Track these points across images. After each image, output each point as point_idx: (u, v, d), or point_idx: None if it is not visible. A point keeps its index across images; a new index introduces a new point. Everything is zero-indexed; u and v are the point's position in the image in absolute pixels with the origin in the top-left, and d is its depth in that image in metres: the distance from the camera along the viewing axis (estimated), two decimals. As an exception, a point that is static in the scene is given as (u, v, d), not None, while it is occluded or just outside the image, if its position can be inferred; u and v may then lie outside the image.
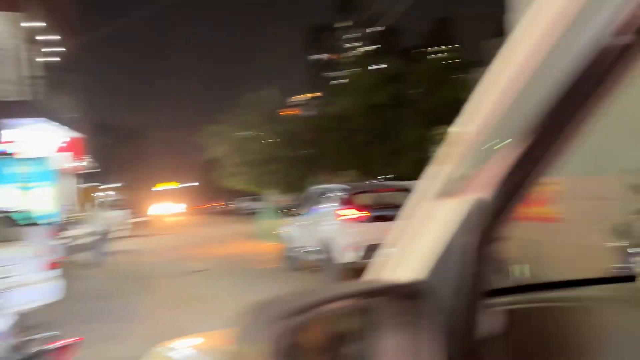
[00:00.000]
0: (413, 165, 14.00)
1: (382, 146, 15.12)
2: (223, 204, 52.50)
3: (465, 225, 0.86)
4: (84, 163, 22.97)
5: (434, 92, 14.54)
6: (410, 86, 15.27)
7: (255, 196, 28.25)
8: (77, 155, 20.81)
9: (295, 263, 10.65)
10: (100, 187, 31.77)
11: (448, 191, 0.92)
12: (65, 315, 6.10)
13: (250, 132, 18.91)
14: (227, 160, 19.65)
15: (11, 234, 6.55)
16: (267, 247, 14.32)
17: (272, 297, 0.83)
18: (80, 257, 12.33)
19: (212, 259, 12.85)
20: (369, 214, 9.26)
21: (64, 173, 18.17)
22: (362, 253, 8.58)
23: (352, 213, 9.50)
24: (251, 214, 25.48)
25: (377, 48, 58.96)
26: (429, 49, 37.80)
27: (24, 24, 13.63)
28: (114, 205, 21.24)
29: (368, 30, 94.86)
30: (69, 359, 2.84)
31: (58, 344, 2.81)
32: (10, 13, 13.28)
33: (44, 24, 15.04)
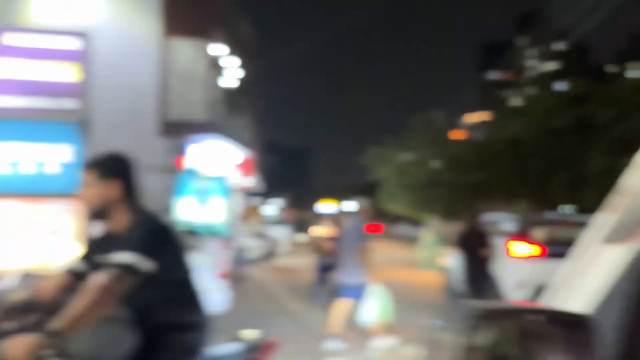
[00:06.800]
0: (597, 197, 12.44)
1: (562, 175, 13.60)
2: (382, 227, 52.12)
3: (631, 273, 0.97)
4: (252, 180, 24.41)
5: (627, 117, 12.77)
6: (598, 109, 13.55)
7: (415, 221, 27.70)
8: (247, 173, 22.18)
9: (457, 296, 9.97)
10: (264, 204, 33.53)
11: (615, 237, 1.02)
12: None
13: (414, 155, 18.52)
14: (389, 183, 19.44)
15: (191, 242, 6.94)
16: (428, 276, 13.73)
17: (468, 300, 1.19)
18: (242, 270, 12.86)
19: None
20: (543, 250, 8.39)
21: (234, 189, 19.37)
22: (530, 293, 7.75)
23: (525, 248, 8.68)
24: (411, 240, 24.86)
25: (561, 67, 53.86)
26: (622, 69, 34.05)
27: (208, 50, 14.87)
28: (278, 222, 22.16)
29: (552, 47, 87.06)
30: (269, 357, 3.01)
31: (262, 342, 2.96)
32: (197, 40, 14.59)
33: (225, 49, 16.29)
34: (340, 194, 77.61)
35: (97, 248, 2.50)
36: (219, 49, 15.55)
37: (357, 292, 6.45)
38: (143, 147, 13.09)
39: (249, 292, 10.94)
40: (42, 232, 6.07)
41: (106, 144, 8.02)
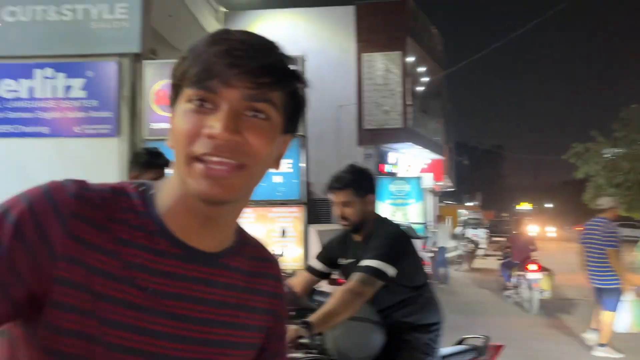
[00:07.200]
0: None
1: None
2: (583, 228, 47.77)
3: None
4: (445, 182, 24.29)
5: None
6: None
7: (630, 222, 24.84)
8: (440, 175, 22.19)
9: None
10: (456, 206, 32.96)
11: None
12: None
13: (626, 150, 16.74)
14: (597, 180, 17.84)
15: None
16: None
17: None
18: (440, 271, 12.91)
19: (579, 289, 11.78)
20: None
21: (429, 192, 19.55)
22: None
23: None
24: (627, 241, 22.33)
25: None
26: None
27: (401, 61, 15.35)
28: (473, 223, 21.71)
29: None
30: (496, 358, 3.08)
31: (489, 345, 3.07)
32: (392, 53, 15.19)
33: (416, 58, 16.60)
34: (535, 193, 72.71)
35: (336, 251, 2.74)
36: (410, 59, 15.94)
37: (605, 298, 6.12)
38: (344, 155, 14.12)
39: (453, 294, 11.05)
40: (272, 234, 6.88)
41: (315, 154, 8.92)
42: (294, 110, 0.82)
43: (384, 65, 15.17)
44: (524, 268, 9.11)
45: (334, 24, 15.29)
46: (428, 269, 9.14)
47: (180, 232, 0.80)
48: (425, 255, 10.43)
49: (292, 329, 2.10)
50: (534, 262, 9.07)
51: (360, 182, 2.54)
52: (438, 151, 20.04)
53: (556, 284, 10.34)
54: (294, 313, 2.49)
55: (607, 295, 6.09)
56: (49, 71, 5.75)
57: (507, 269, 10.00)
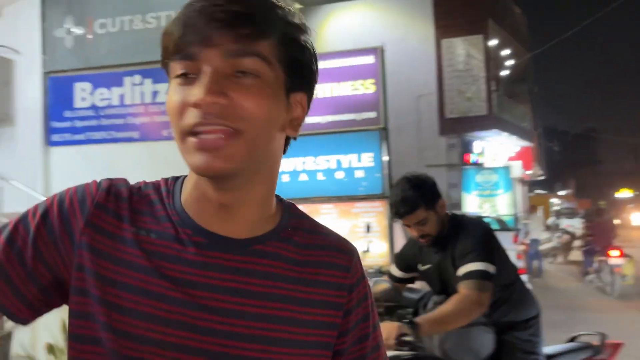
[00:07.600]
0: None
1: None
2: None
3: None
4: (535, 170, 23.23)
5: None
6: None
7: None
8: (528, 162, 21.24)
9: None
10: (548, 195, 31.47)
11: None
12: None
13: None
14: None
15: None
16: None
17: None
18: (534, 264, 12.38)
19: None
20: None
21: (515, 181, 18.76)
22: None
23: None
24: None
25: None
26: None
27: (482, 45, 14.78)
28: (567, 212, 20.66)
29: None
30: (615, 357, 2.92)
31: (606, 342, 2.90)
32: (473, 37, 14.65)
33: (499, 41, 15.93)
34: (637, 179, 67.90)
35: (412, 257, 2.63)
36: (492, 42, 15.32)
37: None
38: (426, 147, 13.84)
39: (547, 288, 10.57)
40: (357, 230, 6.84)
41: (396, 147, 8.77)
42: (294, 61, 0.74)
43: (464, 51, 14.64)
44: (605, 254, 9.59)
45: (411, 11, 14.95)
46: (520, 263, 8.76)
47: (201, 220, 0.77)
48: (518, 248, 10.04)
49: (394, 325, 2.07)
50: (616, 247, 9.57)
51: (426, 194, 2.37)
52: (526, 138, 19.14)
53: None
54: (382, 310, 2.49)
55: None
56: (137, 78, 6.01)
57: (589, 256, 10.56)
